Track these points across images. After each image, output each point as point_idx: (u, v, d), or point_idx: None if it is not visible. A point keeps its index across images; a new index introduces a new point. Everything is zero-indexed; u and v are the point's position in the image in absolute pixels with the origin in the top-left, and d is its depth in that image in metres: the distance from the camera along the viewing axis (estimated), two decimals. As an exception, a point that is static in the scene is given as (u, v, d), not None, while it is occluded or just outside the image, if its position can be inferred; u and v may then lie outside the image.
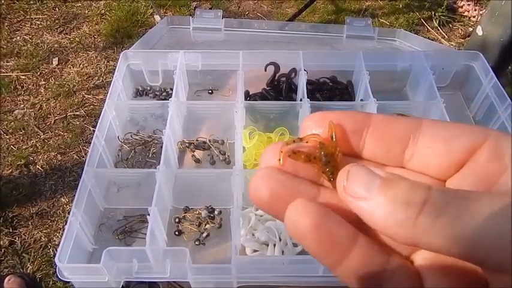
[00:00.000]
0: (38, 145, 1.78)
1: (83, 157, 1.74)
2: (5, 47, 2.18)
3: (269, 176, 0.23)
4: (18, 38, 2.24)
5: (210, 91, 1.09)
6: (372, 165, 0.23)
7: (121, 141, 0.97)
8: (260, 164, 0.24)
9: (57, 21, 2.34)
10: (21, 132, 1.82)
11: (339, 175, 0.22)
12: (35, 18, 2.36)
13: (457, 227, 0.18)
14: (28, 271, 1.45)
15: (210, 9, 2.43)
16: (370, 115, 0.23)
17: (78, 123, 1.87)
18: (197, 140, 0.98)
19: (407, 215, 0.19)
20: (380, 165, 0.24)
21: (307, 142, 0.24)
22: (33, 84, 2.02)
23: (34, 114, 1.89)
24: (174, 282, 0.84)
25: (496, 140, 0.21)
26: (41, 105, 1.93)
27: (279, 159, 0.23)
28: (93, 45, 2.21)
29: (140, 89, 1.09)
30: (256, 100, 1.02)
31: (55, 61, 2.11)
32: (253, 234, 0.81)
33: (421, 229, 0.19)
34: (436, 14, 2.41)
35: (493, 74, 0.97)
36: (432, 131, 0.22)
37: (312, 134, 0.24)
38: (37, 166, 1.72)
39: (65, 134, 1.83)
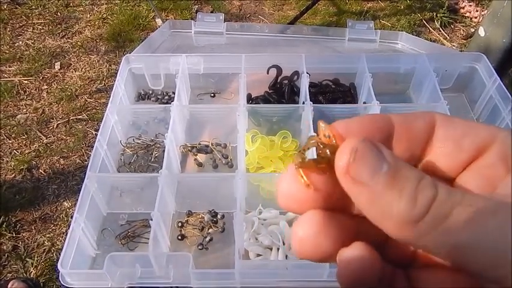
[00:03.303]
0: (40, 149, 1.78)
1: (86, 161, 1.73)
2: (7, 52, 2.19)
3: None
4: (20, 42, 2.25)
5: (212, 94, 1.09)
6: None
7: (123, 146, 0.97)
8: (279, 198, 0.22)
9: (59, 25, 2.34)
10: (23, 137, 1.83)
11: (342, 150, 0.19)
12: (37, 23, 2.36)
13: (461, 236, 0.17)
14: (31, 276, 1.45)
15: (211, 12, 2.43)
16: (389, 119, 0.22)
17: (80, 127, 1.87)
18: (199, 144, 0.98)
19: (412, 215, 0.18)
20: None
21: (308, 148, 0.22)
22: (36, 89, 2.02)
23: (37, 118, 1.90)
24: (176, 287, 0.83)
25: (504, 141, 0.21)
26: (43, 110, 1.93)
27: (306, 182, 0.21)
28: (95, 49, 2.21)
29: (142, 93, 1.09)
30: (259, 103, 1.02)
31: (57, 65, 2.12)
32: (256, 239, 0.81)
33: (421, 231, 0.18)
34: (438, 15, 2.40)
35: (497, 76, 0.97)
36: (444, 130, 0.22)
37: (310, 137, 0.22)
38: (40, 170, 1.72)
39: (68, 138, 1.83)
